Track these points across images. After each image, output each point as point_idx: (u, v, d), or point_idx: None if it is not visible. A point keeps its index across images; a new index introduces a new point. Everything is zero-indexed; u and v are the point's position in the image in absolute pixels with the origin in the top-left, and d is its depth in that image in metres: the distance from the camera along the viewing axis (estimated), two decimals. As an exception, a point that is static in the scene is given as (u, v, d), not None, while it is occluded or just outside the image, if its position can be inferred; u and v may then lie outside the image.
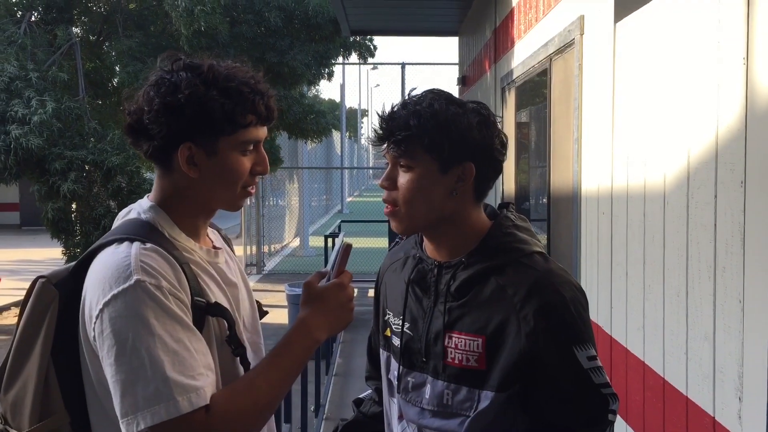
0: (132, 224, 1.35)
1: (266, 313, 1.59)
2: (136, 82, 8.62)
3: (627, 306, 2.86)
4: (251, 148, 1.38)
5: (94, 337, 1.23)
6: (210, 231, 1.51)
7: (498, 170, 1.48)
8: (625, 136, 2.90)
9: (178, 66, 1.34)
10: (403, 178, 1.43)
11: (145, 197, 1.42)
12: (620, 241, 2.94)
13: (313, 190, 19.32)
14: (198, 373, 1.21)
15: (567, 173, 3.81)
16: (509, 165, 5.74)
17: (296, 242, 16.61)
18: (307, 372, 4.47)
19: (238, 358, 1.37)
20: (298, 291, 7.54)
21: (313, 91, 19.68)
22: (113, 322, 1.20)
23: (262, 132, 1.39)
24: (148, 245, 1.28)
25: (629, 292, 2.84)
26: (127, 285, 1.22)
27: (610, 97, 3.09)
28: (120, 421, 1.19)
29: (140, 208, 1.39)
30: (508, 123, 5.76)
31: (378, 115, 1.47)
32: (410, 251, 1.60)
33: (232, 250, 1.60)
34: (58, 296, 1.32)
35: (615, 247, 3.02)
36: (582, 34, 3.51)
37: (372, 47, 11.56)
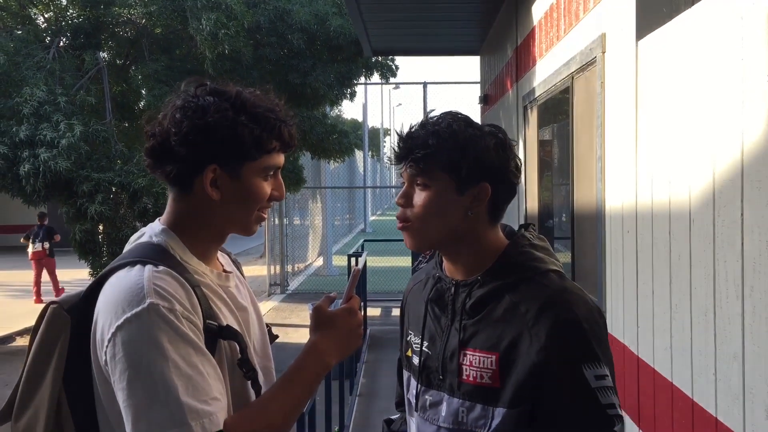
0: (144, 247, 1.34)
1: (276, 337, 1.59)
2: (162, 105, 8.72)
3: (654, 326, 2.82)
4: (272, 173, 1.40)
5: (106, 361, 1.22)
6: (220, 254, 1.51)
7: (513, 192, 1.50)
8: (648, 154, 2.89)
9: (203, 91, 1.36)
10: (419, 197, 1.45)
11: (157, 220, 1.42)
12: (645, 260, 2.91)
13: (336, 210, 19.37)
14: (211, 398, 1.21)
15: (590, 191, 3.79)
16: (532, 183, 5.72)
17: (320, 261, 16.64)
18: (331, 392, 4.46)
19: (250, 382, 1.36)
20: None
21: (336, 111, 19.81)
22: (126, 345, 1.19)
23: (282, 159, 1.41)
24: (161, 268, 1.27)
25: (656, 311, 2.80)
26: (140, 308, 1.21)
27: (633, 114, 3.08)
28: None
29: (152, 231, 1.38)
30: (531, 141, 5.75)
31: (397, 134, 1.50)
32: (431, 272, 1.62)
33: (242, 274, 1.61)
34: (70, 322, 1.30)
35: (640, 266, 2.99)
36: (604, 53, 3.51)
37: (394, 67, 11.62)
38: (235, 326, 1.37)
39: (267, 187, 1.39)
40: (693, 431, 2.45)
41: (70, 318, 1.31)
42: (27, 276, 15.42)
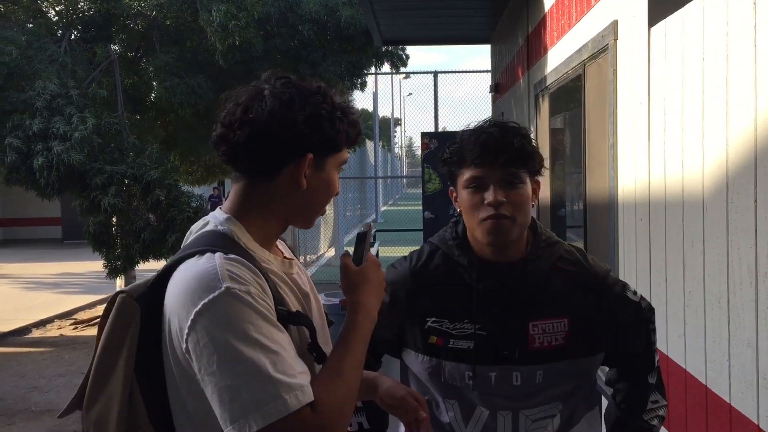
0: (211, 236, 1.36)
1: (332, 322, 1.61)
2: (174, 97, 8.76)
3: (667, 313, 2.82)
4: (340, 168, 1.46)
5: (188, 349, 1.23)
6: (278, 242, 1.54)
7: None
8: (661, 141, 2.88)
9: (287, 83, 1.40)
10: (515, 194, 1.65)
11: (218, 209, 1.44)
12: (659, 247, 2.91)
13: (347, 200, 19.38)
14: (299, 372, 1.24)
15: (603, 179, 3.78)
16: (544, 172, 5.70)
17: (331, 252, 16.68)
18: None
19: (320, 366, 1.37)
20: (335, 300, 7.53)
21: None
22: (209, 331, 1.21)
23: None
24: (231, 255, 1.28)
25: (669, 299, 2.80)
26: (217, 293, 1.22)
27: (645, 102, 3.06)
28: (227, 429, 1.19)
29: (216, 220, 1.39)
30: (543, 129, 5.73)
31: (494, 137, 1.67)
32: (455, 258, 1.75)
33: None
34: (139, 311, 1.31)
35: (653, 254, 2.98)
36: (616, 40, 3.49)
37: (404, 56, 11.58)
38: (302, 312, 1.40)
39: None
40: (707, 418, 2.45)
41: (140, 307, 1.31)
42: (40, 268, 15.57)
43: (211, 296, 1.22)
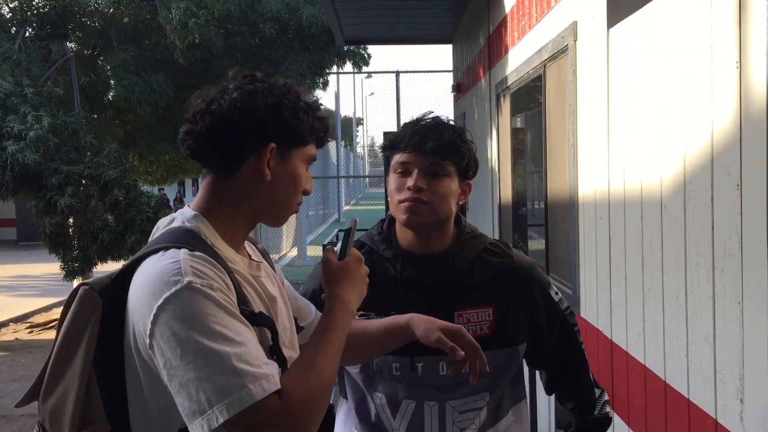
0: (177, 232, 1.35)
1: (302, 328, 1.59)
2: (132, 96, 8.63)
3: (627, 310, 2.86)
4: (308, 164, 1.45)
5: (151, 344, 1.22)
6: (246, 244, 1.51)
7: None
8: (620, 141, 2.92)
9: (254, 79, 1.41)
10: (437, 183, 1.71)
11: (187, 206, 1.43)
12: (618, 246, 2.95)
13: (309, 200, 19.31)
14: (263, 363, 1.22)
15: (563, 179, 3.82)
16: (505, 171, 5.75)
17: (294, 252, 16.60)
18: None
19: (280, 370, 1.34)
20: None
21: (308, 101, 19.63)
22: (171, 325, 1.20)
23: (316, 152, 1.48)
24: (196, 252, 1.28)
25: (629, 296, 2.85)
26: (179, 287, 1.21)
27: (604, 102, 3.11)
28: (193, 423, 1.17)
29: (183, 216, 1.39)
30: (504, 129, 5.78)
31: (420, 125, 1.74)
32: (380, 252, 1.80)
33: (271, 265, 1.61)
34: (101, 304, 1.30)
35: (613, 252, 3.03)
36: (575, 40, 3.53)
37: (366, 56, 11.59)
38: (266, 314, 1.38)
39: (307, 176, 1.44)
40: (666, 413, 2.49)
41: (102, 300, 1.30)
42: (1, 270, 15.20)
43: (172, 290, 1.21)
